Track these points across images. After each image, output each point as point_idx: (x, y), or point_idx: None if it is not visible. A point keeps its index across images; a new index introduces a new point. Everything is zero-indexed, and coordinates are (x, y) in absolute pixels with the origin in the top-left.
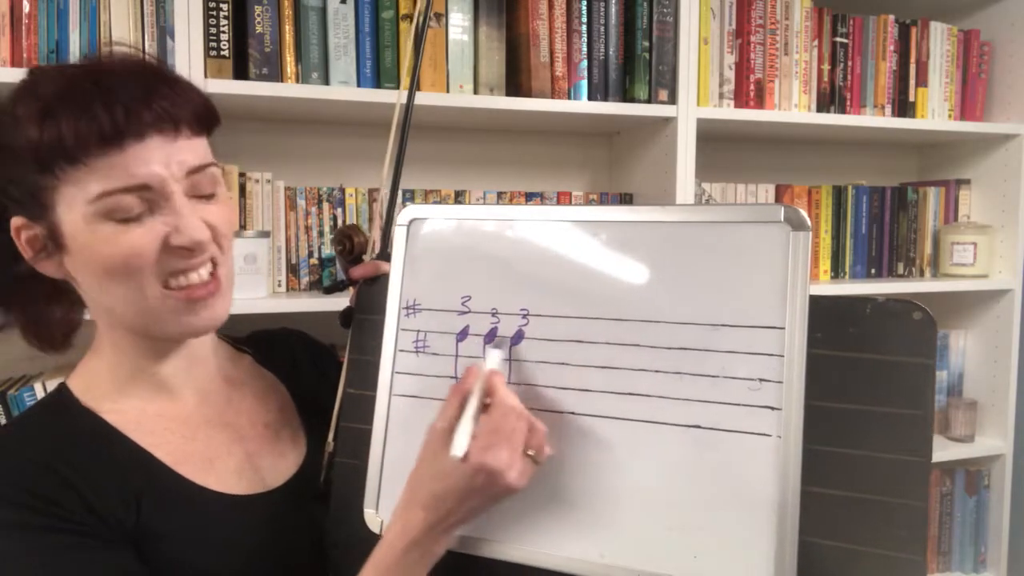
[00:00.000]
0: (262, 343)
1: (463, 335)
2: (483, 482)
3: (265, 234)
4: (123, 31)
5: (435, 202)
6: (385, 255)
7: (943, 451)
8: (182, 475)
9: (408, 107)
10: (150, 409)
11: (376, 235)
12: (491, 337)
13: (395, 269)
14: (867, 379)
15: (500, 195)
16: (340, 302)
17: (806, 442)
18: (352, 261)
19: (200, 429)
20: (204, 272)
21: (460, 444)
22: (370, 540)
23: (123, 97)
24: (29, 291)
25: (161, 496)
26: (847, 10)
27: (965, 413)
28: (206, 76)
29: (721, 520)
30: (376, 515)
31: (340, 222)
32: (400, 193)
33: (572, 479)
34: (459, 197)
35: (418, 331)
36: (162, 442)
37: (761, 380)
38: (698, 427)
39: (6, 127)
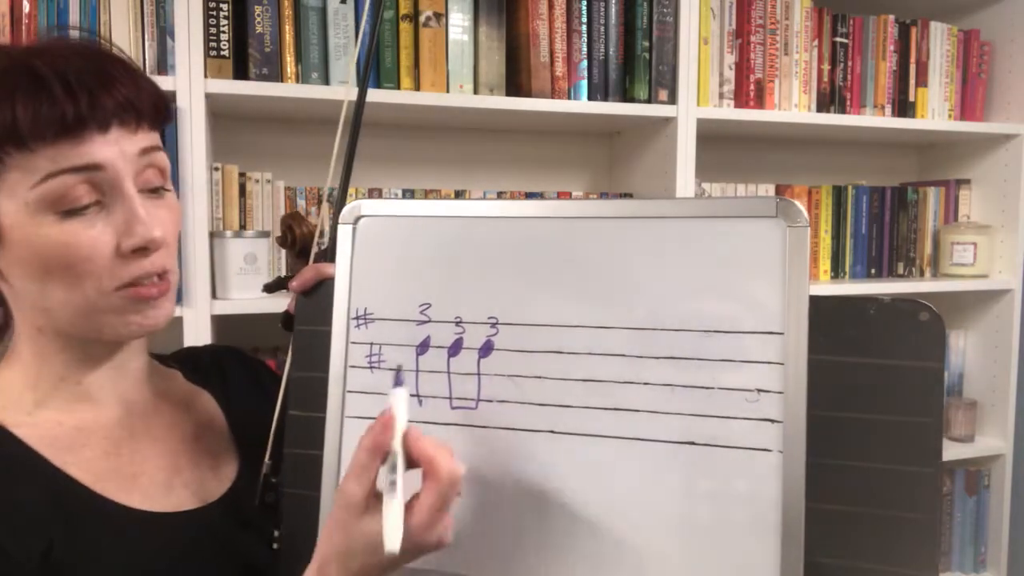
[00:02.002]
0: (189, 360)
1: (424, 348)
2: (416, 554)
3: (265, 234)
4: (123, 31)
5: None
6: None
7: (943, 451)
8: (100, 494)
9: (363, 83)
10: (68, 421)
11: (327, 227)
12: (455, 350)
13: (341, 274)
14: (872, 385)
15: (500, 195)
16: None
17: (809, 456)
18: (298, 254)
19: (124, 443)
20: (156, 279)
21: (394, 539)
22: None
23: (87, 82)
24: None
25: (75, 523)
26: (847, 10)
27: (965, 413)
28: (206, 76)
29: (722, 543)
30: None
31: None
32: (400, 192)
33: (555, 504)
34: (459, 197)
35: (371, 344)
36: (79, 458)
37: (760, 391)
38: (692, 444)
39: None
